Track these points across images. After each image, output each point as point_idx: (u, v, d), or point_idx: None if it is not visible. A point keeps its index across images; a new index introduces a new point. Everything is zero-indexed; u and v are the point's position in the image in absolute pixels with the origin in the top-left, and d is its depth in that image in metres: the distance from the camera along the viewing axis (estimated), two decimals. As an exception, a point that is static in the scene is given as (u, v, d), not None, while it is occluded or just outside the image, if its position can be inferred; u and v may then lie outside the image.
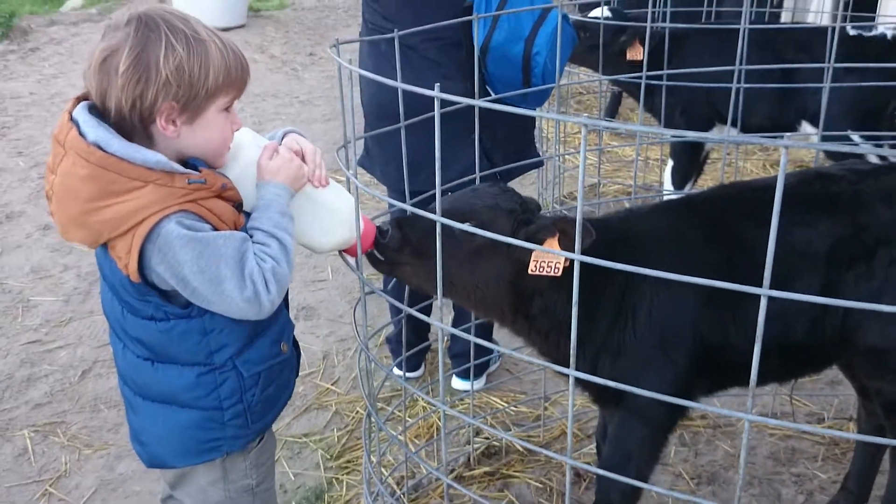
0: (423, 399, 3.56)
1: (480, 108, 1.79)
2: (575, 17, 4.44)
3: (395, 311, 3.59)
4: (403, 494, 2.97)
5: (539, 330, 2.41)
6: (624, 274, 2.35)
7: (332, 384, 3.84)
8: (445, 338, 3.75)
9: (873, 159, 3.96)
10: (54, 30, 10.94)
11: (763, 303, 1.47)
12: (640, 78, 3.41)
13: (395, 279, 3.53)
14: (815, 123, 4.27)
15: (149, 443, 2.07)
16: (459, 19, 2.91)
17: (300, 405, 3.68)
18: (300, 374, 3.74)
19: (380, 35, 3.07)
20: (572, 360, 1.69)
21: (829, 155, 4.24)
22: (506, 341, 3.75)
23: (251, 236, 1.87)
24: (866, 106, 4.22)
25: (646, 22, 3.35)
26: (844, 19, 4.70)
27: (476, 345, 3.27)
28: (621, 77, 4.09)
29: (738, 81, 3.25)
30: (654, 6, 3.37)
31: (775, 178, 2.81)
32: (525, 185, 4.84)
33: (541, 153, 4.03)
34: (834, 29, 3.23)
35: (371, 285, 2.27)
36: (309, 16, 12.63)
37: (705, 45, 4.46)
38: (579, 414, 3.51)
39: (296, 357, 2.21)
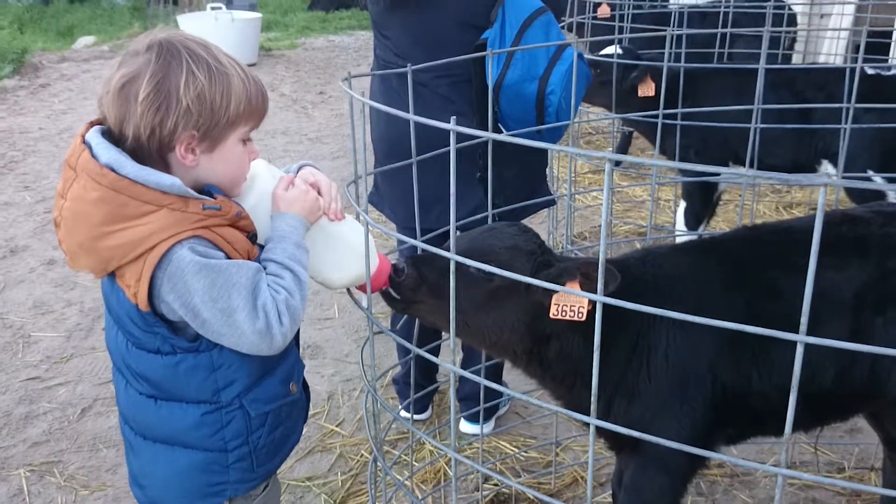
0: (430, 443, 3.46)
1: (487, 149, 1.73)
2: (587, 56, 4.41)
3: (403, 352, 3.50)
4: (410, 543, 2.86)
5: (554, 374, 2.34)
6: (640, 316, 2.30)
7: (336, 426, 3.74)
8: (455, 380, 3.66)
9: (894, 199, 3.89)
10: (65, 66, 11.00)
11: (799, 350, 1.38)
12: (654, 116, 3.36)
13: (403, 318, 3.46)
14: (834, 163, 4.22)
15: (149, 486, 1.98)
16: (473, 55, 2.86)
17: (303, 447, 3.57)
18: (304, 415, 3.65)
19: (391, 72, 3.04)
20: (593, 407, 1.60)
21: (851, 196, 4.18)
22: (515, 383, 3.66)
23: (265, 267, 1.80)
24: (887, 145, 4.16)
25: (657, 62, 3.30)
26: (854, 61, 4.67)
27: (485, 387, 3.19)
28: (635, 115, 4.03)
29: (756, 121, 3.19)
30: (667, 48, 3.33)
31: (797, 220, 2.76)
32: (535, 225, 4.77)
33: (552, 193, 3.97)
34: (853, 69, 3.19)
35: (380, 325, 2.19)
36: (319, 55, 12.70)
37: (721, 85, 4.42)
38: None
39: (305, 399, 2.12)
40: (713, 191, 4.90)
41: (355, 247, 2.05)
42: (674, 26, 4.94)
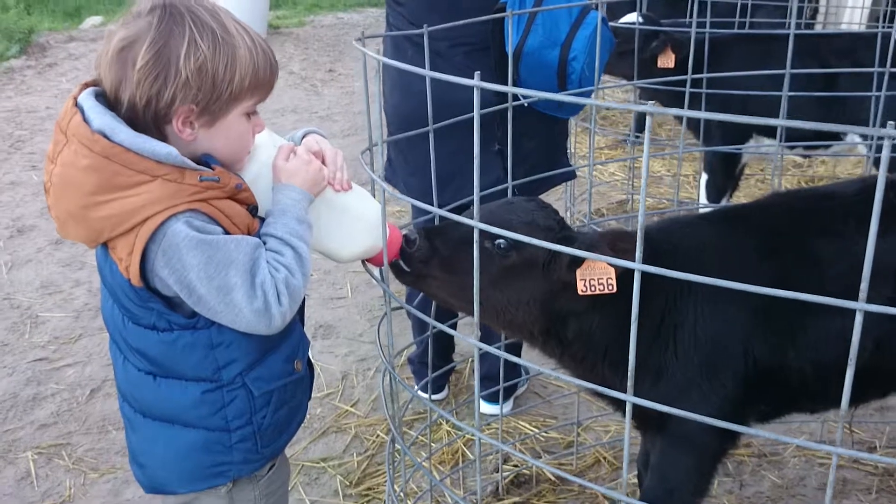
0: (448, 423, 3.37)
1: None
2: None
3: (419, 331, 3.40)
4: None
5: (574, 354, 2.25)
6: (666, 290, 2.19)
7: (351, 406, 3.65)
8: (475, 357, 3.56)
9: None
10: (73, 46, 10.89)
11: (858, 318, 1.28)
12: (676, 84, 3.23)
13: (420, 296, 3.36)
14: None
15: (149, 465, 1.89)
16: (492, 16, 2.73)
17: (318, 428, 3.49)
18: (318, 395, 3.57)
19: (406, 41, 2.92)
20: (630, 383, 1.49)
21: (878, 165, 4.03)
22: (536, 361, 3.56)
23: (264, 243, 1.69)
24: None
25: (678, 30, 3.17)
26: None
27: (504, 367, 3.08)
28: (657, 84, 3.90)
29: (786, 89, 3.06)
30: (689, 16, 3.19)
31: (832, 185, 2.64)
32: (551, 201, 4.66)
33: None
34: (885, 34, 3.05)
35: (398, 300, 2.09)
36: (328, 33, 12.55)
37: (746, 53, 4.28)
38: (614, 441, 3.30)
39: (309, 377, 2.03)
40: (736, 163, 4.77)
41: (364, 218, 1.94)
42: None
